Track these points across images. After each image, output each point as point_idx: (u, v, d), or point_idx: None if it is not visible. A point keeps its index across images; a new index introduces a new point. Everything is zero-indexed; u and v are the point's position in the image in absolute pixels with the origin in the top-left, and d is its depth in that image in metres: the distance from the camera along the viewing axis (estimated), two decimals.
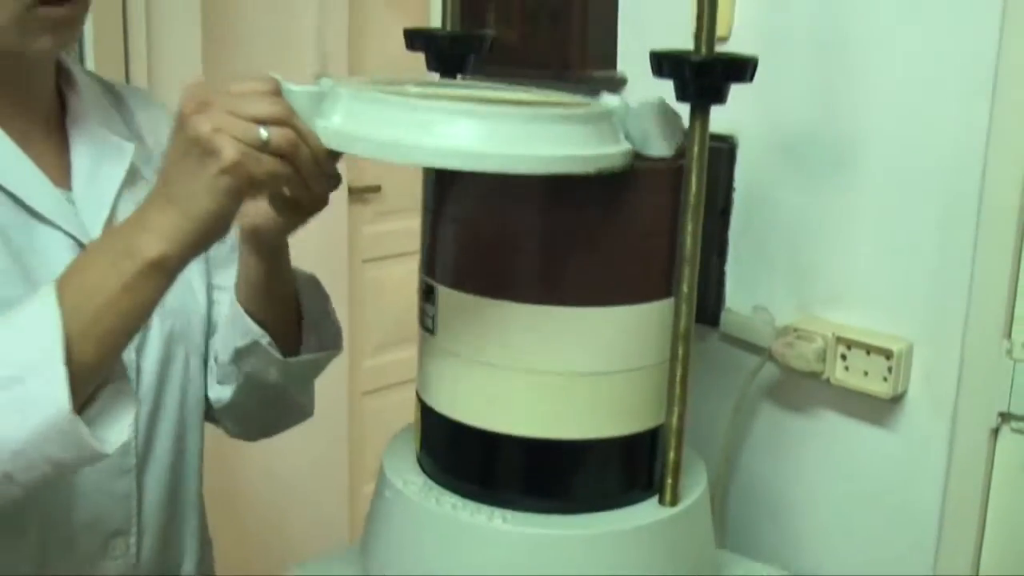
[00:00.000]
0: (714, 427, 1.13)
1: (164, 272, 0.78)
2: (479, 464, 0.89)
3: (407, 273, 1.98)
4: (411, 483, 0.91)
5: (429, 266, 0.89)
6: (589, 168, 0.78)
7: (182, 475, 1.09)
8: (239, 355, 1.03)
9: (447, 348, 0.87)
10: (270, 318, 1.03)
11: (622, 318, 0.84)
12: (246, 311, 1.01)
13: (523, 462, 0.87)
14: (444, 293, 0.86)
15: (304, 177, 0.78)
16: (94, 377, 0.80)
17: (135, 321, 0.80)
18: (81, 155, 1.01)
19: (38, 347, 0.77)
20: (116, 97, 1.10)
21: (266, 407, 1.12)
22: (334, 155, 0.81)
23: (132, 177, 1.03)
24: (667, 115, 0.84)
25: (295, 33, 2.34)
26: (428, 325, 0.89)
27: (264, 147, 0.74)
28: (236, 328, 1.03)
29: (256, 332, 1.01)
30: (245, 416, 1.13)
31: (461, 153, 0.76)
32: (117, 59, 1.94)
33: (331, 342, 1.08)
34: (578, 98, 0.89)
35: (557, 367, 0.84)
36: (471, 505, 0.87)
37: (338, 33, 2.40)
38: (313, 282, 1.08)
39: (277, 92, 0.77)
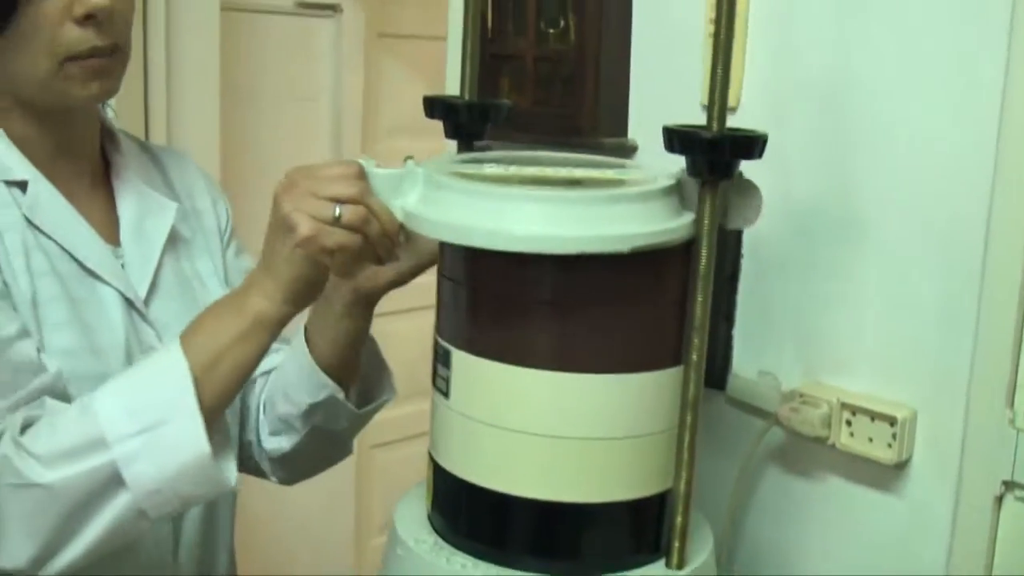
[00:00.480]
0: (720, 490, 1.14)
1: (267, 327, 0.89)
2: (490, 525, 0.91)
3: (415, 328, 1.99)
4: (422, 542, 0.92)
5: (444, 330, 0.91)
6: (655, 241, 0.82)
7: (215, 520, 1.12)
8: (312, 409, 1.08)
9: (461, 411, 0.89)
10: (351, 373, 1.08)
11: (633, 385, 0.86)
12: (324, 368, 1.06)
13: (534, 524, 0.88)
14: (459, 357, 0.88)
15: (375, 248, 0.87)
16: (213, 420, 0.88)
17: (246, 370, 0.91)
18: (128, 211, 1.06)
19: (172, 394, 0.88)
20: (152, 156, 1.15)
21: (324, 452, 1.16)
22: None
23: (174, 234, 1.09)
24: (745, 187, 0.86)
25: (311, 92, 2.38)
26: (442, 388, 0.91)
27: (336, 223, 0.84)
28: (309, 384, 1.07)
29: (332, 387, 1.06)
30: (300, 462, 1.17)
31: (535, 238, 0.80)
32: (137, 114, 1.97)
33: (391, 387, 1.15)
34: (637, 169, 0.93)
35: (570, 432, 0.85)
36: (482, 565, 0.89)
37: (353, 91, 2.44)
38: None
39: (360, 174, 0.87)
